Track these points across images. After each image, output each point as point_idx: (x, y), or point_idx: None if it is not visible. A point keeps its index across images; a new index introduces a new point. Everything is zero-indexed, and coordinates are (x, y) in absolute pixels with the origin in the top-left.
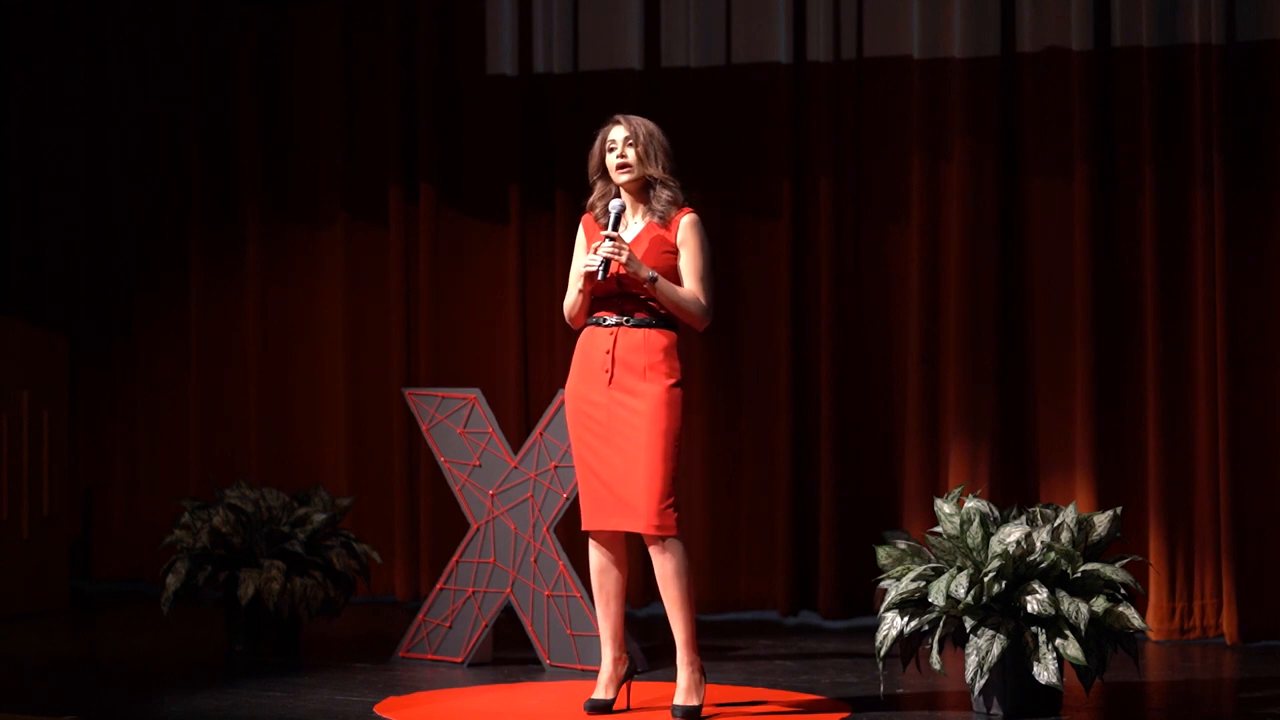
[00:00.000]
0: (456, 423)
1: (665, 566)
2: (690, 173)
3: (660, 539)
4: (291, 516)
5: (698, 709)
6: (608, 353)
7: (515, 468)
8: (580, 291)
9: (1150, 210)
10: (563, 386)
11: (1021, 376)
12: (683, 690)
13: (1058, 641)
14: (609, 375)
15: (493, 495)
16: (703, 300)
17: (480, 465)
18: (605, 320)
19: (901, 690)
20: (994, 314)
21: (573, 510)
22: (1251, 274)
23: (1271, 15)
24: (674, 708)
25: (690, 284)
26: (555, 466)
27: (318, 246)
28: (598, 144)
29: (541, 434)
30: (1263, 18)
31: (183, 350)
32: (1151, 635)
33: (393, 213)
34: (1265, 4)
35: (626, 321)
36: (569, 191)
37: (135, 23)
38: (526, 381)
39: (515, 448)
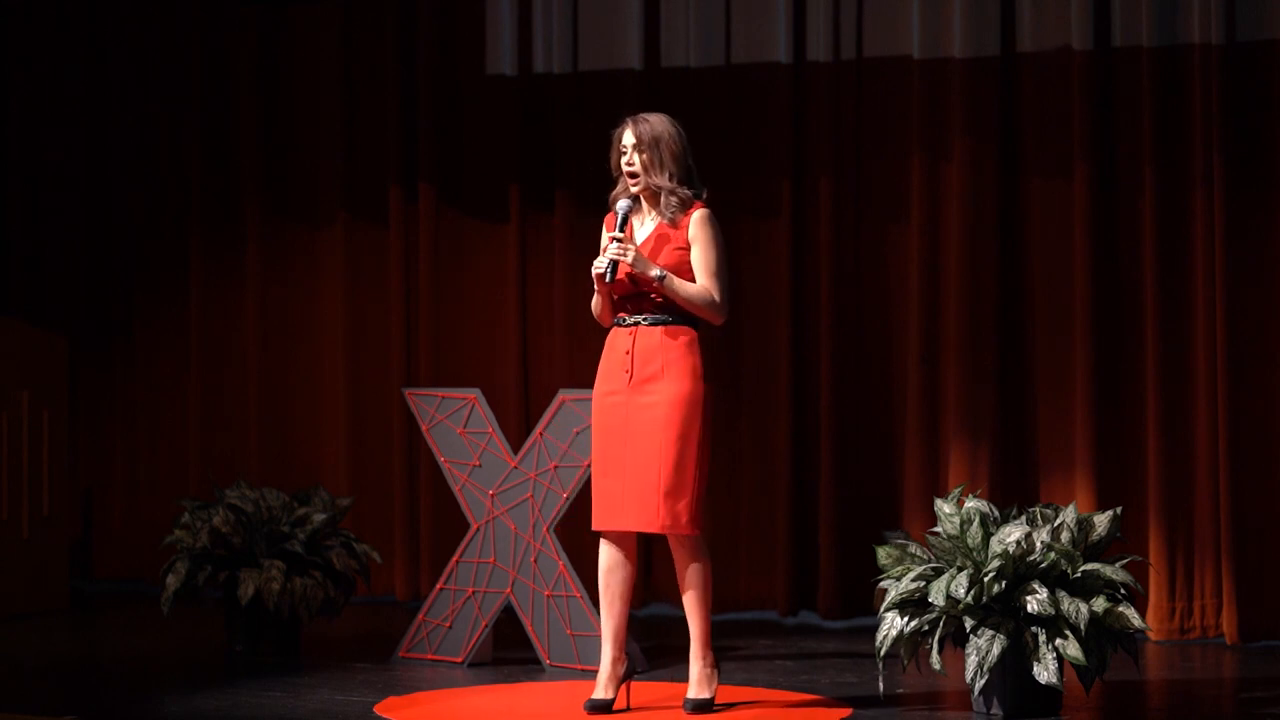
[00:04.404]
0: (456, 423)
1: (686, 565)
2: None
3: (681, 537)
4: (291, 516)
5: (709, 701)
6: (627, 353)
7: (515, 468)
8: (598, 293)
9: (1150, 210)
10: (563, 387)
11: (1021, 376)
12: (694, 683)
13: (1058, 641)
14: (629, 375)
15: (493, 495)
16: (716, 296)
17: (480, 465)
18: (625, 320)
19: (901, 690)
20: (994, 314)
21: (573, 510)
22: (1251, 274)
23: (1271, 15)
24: (685, 701)
25: (703, 279)
26: (555, 466)
27: (318, 246)
28: (615, 140)
29: (541, 434)
30: (1263, 18)
31: (183, 350)
32: (1151, 635)
33: (393, 212)
34: (1265, 4)
35: (644, 320)
36: (569, 191)
37: (135, 23)
38: (526, 381)
39: (515, 448)
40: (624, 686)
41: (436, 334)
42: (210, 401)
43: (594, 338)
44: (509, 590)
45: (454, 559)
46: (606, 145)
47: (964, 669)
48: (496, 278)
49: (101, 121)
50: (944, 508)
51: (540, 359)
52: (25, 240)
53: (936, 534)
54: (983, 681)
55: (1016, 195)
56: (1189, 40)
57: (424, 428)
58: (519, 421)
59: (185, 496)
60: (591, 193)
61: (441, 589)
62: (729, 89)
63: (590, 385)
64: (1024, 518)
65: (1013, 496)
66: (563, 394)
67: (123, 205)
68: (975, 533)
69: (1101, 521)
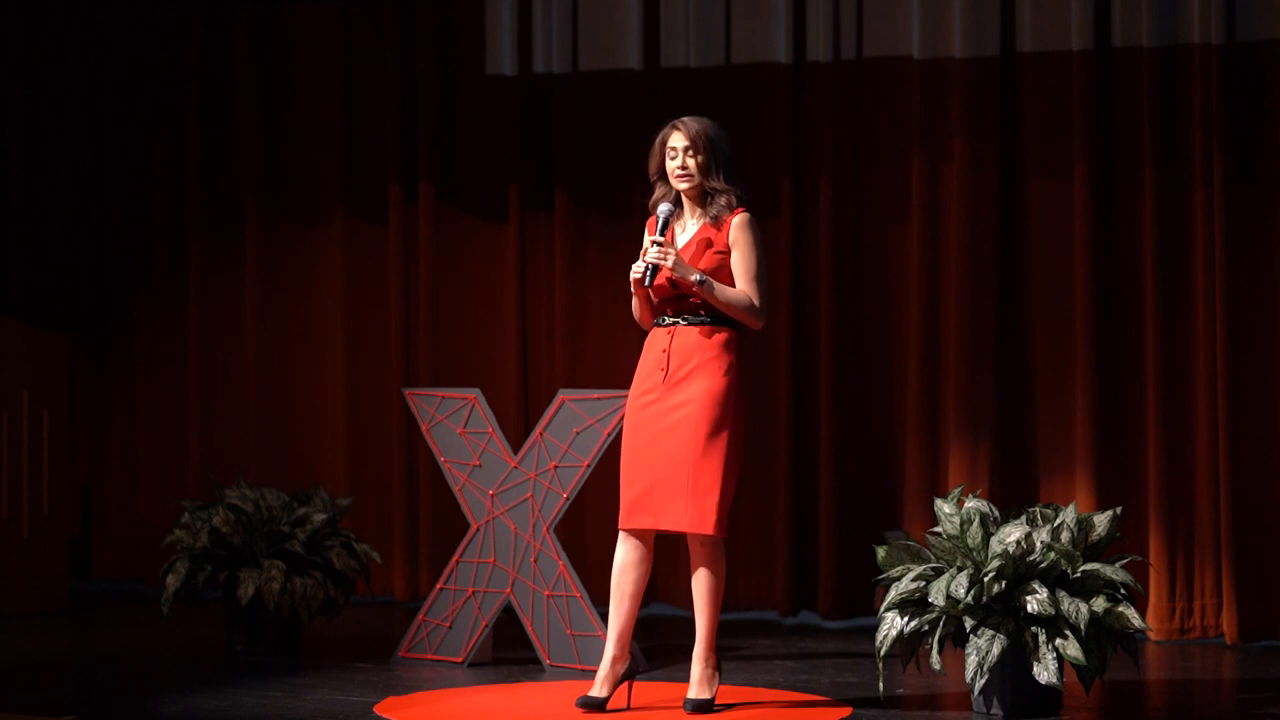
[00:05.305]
0: (456, 423)
1: (702, 565)
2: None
3: (703, 537)
4: (291, 516)
5: (709, 702)
6: (664, 351)
7: (515, 468)
8: (635, 296)
9: (1150, 210)
10: (563, 387)
11: (1021, 376)
12: (695, 683)
13: (1058, 641)
14: (664, 373)
15: (493, 495)
16: (755, 301)
17: (480, 465)
18: (664, 320)
19: (901, 690)
20: (994, 314)
21: (572, 510)
22: (1251, 273)
23: (1271, 15)
24: (685, 701)
25: (742, 284)
26: (555, 466)
27: (317, 246)
28: (658, 145)
29: (541, 434)
30: (1263, 18)
31: (182, 350)
32: (1151, 635)
33: (392, 212)
34: (1265, 4)
35: (683, 320)
36: (569, 191)
37: (135, 23)
38: (526, 381)
39: (515, 448)
40: (625, 686)
41: (436, 333)
42: (210, 401)
43: (594, 337)
44: (509, 590)
45: (454, 559)
46: (606, 145)
47: (964, 669)
48: (496, 277)
49: (101, 121)
50: (944, 508)
51: (540, 359)
52: (25, 240)
53: (936, 534)
54: (983, 681)
55: (1016, 195)
56: (1189, 40)
57: (424, 428)
58: (519, 421)
59: (185, 496)
60: (591, 192)
61: (441, 589)
62: (729, 89)
63: (589, 385)
64: (1024, 518)
65: (1013, 496)
66: (563, 394)
67: (122, 205)
68: (975, 533)
69: (1101, 521)
